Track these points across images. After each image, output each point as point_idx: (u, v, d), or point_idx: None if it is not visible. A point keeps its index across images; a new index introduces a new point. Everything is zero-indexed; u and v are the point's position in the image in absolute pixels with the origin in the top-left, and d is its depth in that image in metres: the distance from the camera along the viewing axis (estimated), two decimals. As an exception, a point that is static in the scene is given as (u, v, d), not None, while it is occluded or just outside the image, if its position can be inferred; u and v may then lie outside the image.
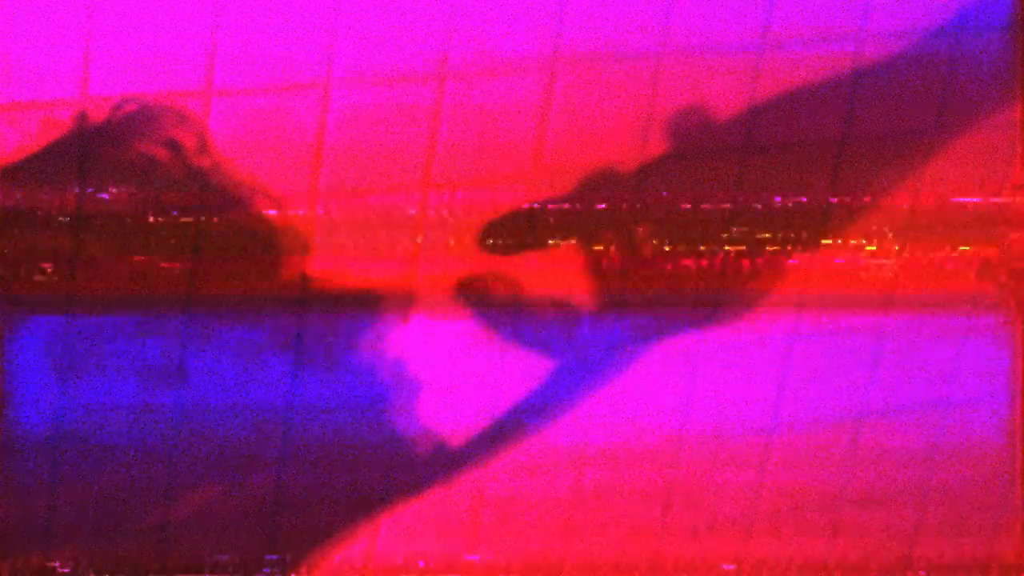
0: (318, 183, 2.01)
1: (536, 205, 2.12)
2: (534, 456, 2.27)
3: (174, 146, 1.92)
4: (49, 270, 1.92)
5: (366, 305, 2.10)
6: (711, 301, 2.27)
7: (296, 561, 2.19)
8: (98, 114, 1.88)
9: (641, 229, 2.18)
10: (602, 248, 2.17)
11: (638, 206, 2.17)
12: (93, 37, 1.84)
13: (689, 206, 2.19)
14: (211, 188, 1.95)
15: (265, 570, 2.18)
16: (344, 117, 1.99)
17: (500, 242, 2.12)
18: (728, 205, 2.21)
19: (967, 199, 2.34)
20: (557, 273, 2.17)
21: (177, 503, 2.10)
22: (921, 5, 2.22)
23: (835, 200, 2.27)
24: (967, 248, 2.37)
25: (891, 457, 2.50)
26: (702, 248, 2.22)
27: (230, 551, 2.15)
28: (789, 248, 2.27)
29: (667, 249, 2.21)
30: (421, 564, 2.27)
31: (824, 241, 2.29)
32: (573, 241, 2.16)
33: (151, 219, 1.94)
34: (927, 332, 2.44)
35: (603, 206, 2.15)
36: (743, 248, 2.24)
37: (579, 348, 2.23)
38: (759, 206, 2.23)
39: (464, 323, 2.15)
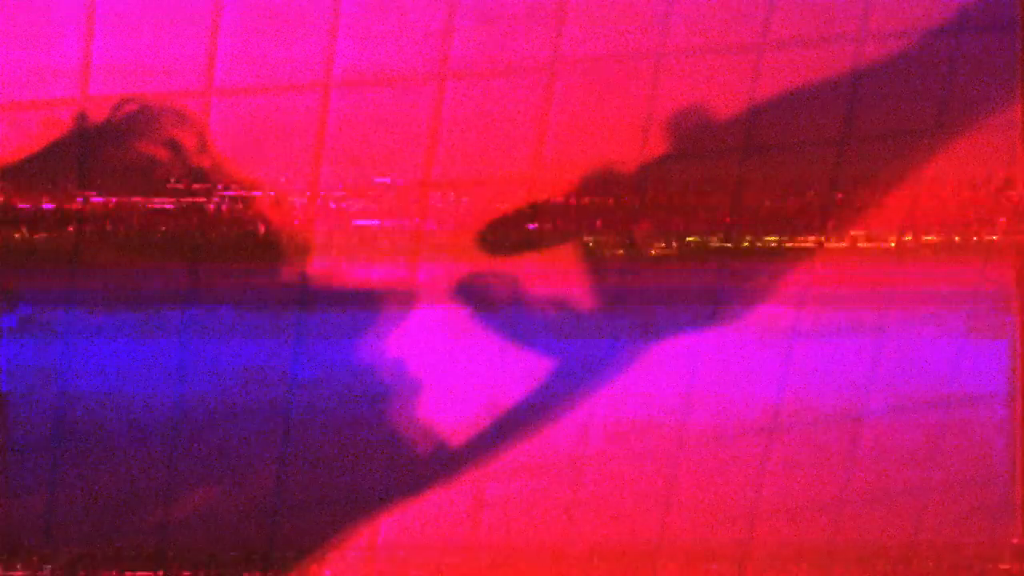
0: (318, 183, 2.01)
1: (536, 205, 2.12)
2: (534, 456, 2.27)
3: (174, 146, 1.93)
4: (49, 270, 1.92)
5: (366, 305, 2.10)
6: (711, 301, 2.28)
7: (296, 561, 2.19)
8: (98, 114, 1.88)
9: (641, 229, 2.19)
10: (602, 248, 2.17)
11: (638, 206, 2.17)
12: (93, 37, 1.84)
13: (689, 206, 2.20)
14: (211, 188, 1.95)
15: (264, 570, 2.18)
16: (344, 117, 1.99)
17: (500, 242, 2.13)
18: (728, 205, 2.21)
19: (968, 198, 2.34)
20: (557, 273, 2.17)
21: (177, 503, 2.10)
22: (921, 5, 2.22)
23: (835, 200, 2.27)
24: (968, 248, 2.37)
25: (891, 456, 2.50)
26: (702, 248, 2.22)
27: (230, 551, 2.15)
28: (789, 248, 2.28)
29: (667, 249, 2.21)
30: (421, 564, 2.28)
31: (824, 241, 2.29)
32: (573, 241, 2.16)
33: (151, 219, 1.94)
34: (928, 331, 2.44)
35: (603, 206, 2.15)
36: (743, 248, 2.24)
37: (579, 348, 2.23)
38: (759, 206, 2.23)
39: (464, 323, 2.15)
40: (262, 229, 2.00)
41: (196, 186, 1.95)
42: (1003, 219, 2.36)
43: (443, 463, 2.23)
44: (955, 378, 2.49)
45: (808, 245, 2.29)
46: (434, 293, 2.12)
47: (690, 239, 2.21)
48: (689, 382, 2.32)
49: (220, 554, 2.15)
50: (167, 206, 1.94)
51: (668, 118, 2.15)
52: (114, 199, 1.92)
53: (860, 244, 2.31)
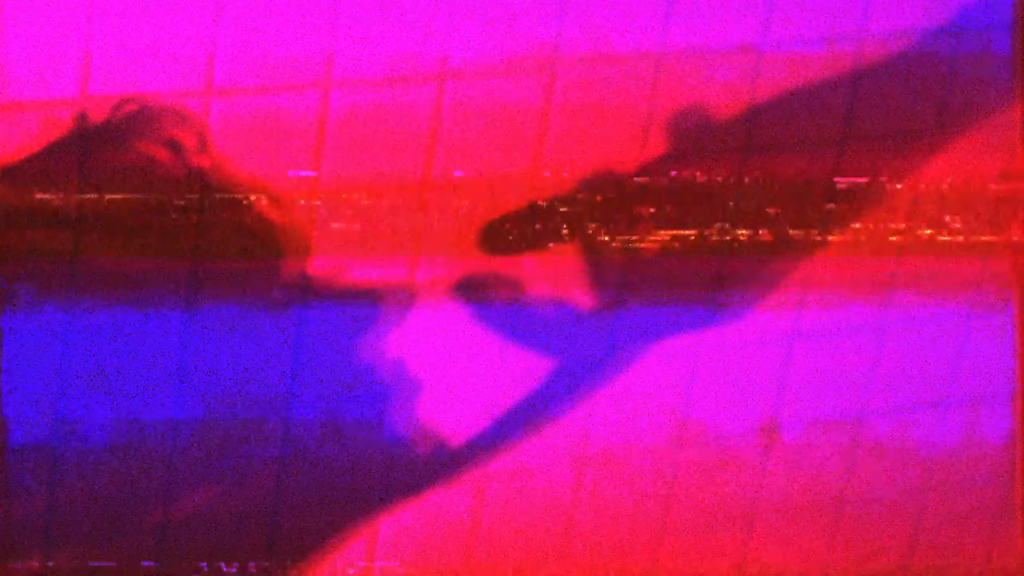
0: (318, 183, 2.01)
1: (536, 205, 2.12)
2: (534, 456, 2.27)
3: (174, 146, 1.93)
4: (49, 270, 1.92)
5: (366, 304, 2.10)
6: (711, 301, 2.27)
7: (296, 561, 2.19)
8: (98, 114, 1.88)
9: (641, 228, 2.18)
10: (602, 248, 2.17)
11: (638, 206, 2.17)
12: (93, 37, 1.84)
13: (689, 206, 2.20)
14: (211, 188, 1.95)
15: (265, 571, 2.18)
16: (344, 117, 1.99)
17: (500, 242, 2.13)
18: (728, 205, 2.21)
19: (967, 198, 2.34)
20: (557, 273, 2.17)
21: (177, 503, 2.10)
22: (921, 5, 2.22)
23: (835, 200, 2.27)
24: (968, 248, 2.37)
25: (891, 457, 2.50)
26: (702, 248, 2.22)
27: (229, 552, 2.15)
28: (789, 248, 2.28)
29: (667, 249, 2.21)
30: (421, 564, 2.28)
31: (824, 241, 2.29)
32: (573, 241, 2.16)
33: (151, 219, 1.94)
34: (928, 331, 2.44)
35: (603, 206, 2.15)
36: (743, 247, 2.24)
37: (579, 348, 2.23)
38: (759, 206, 2.23)
39: (464, 323, 2.15)
40: (262, 229, 2.00)
41: (195, 186, 1.95)
42: (1003, 219, 2.36)
43: (443, 463, 2.23)
44: (955, 378, 2.49)
45: (808, 245, 2.29)
46: (434, 292, 2.12)
47: (690, 239, 2.21)
48: (689, 382, 2.32)
49: (220, 555, 2.15)
50: (166, 206, 1.94)
51: (668, 118, 2.15)
52: (114, 198, 1.92)
53: (860, 244, 2.31)
